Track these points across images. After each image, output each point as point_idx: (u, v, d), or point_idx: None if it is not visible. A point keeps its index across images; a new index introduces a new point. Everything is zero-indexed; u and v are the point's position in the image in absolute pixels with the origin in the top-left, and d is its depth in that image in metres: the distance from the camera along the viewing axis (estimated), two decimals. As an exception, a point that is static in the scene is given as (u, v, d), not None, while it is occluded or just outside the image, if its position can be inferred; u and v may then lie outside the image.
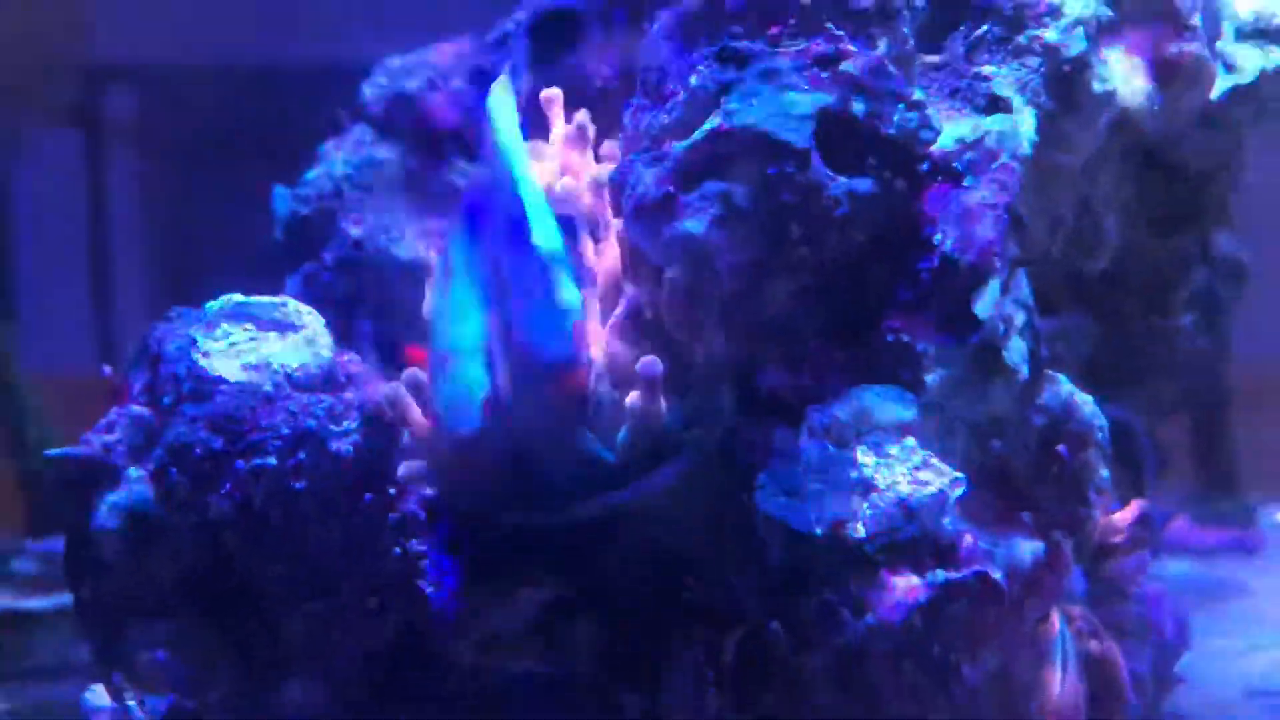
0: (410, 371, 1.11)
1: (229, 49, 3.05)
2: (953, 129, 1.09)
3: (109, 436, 1.12)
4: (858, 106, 1.06)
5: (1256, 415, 2.27)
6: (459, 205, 1.13)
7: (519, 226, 1.04)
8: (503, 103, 1.10)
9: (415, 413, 1.09)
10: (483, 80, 1.37)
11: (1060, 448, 1.11)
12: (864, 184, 1.05)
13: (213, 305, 1.15)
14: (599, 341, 1.09)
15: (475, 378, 1.04)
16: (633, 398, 1.05)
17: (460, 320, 1.07)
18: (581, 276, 1.08)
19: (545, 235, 1.04)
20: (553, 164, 1.18)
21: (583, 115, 1.19)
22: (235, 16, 3.02)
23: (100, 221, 3.10)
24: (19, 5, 2.63)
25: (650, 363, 1.04)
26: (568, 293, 1.03)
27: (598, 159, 1.20)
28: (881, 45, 1.09)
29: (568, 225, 1.11)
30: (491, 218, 1.07)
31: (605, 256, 1.12)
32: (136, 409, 1.12)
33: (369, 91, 1.48)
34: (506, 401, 1.03)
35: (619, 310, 1.10)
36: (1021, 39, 1.13)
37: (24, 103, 2.84)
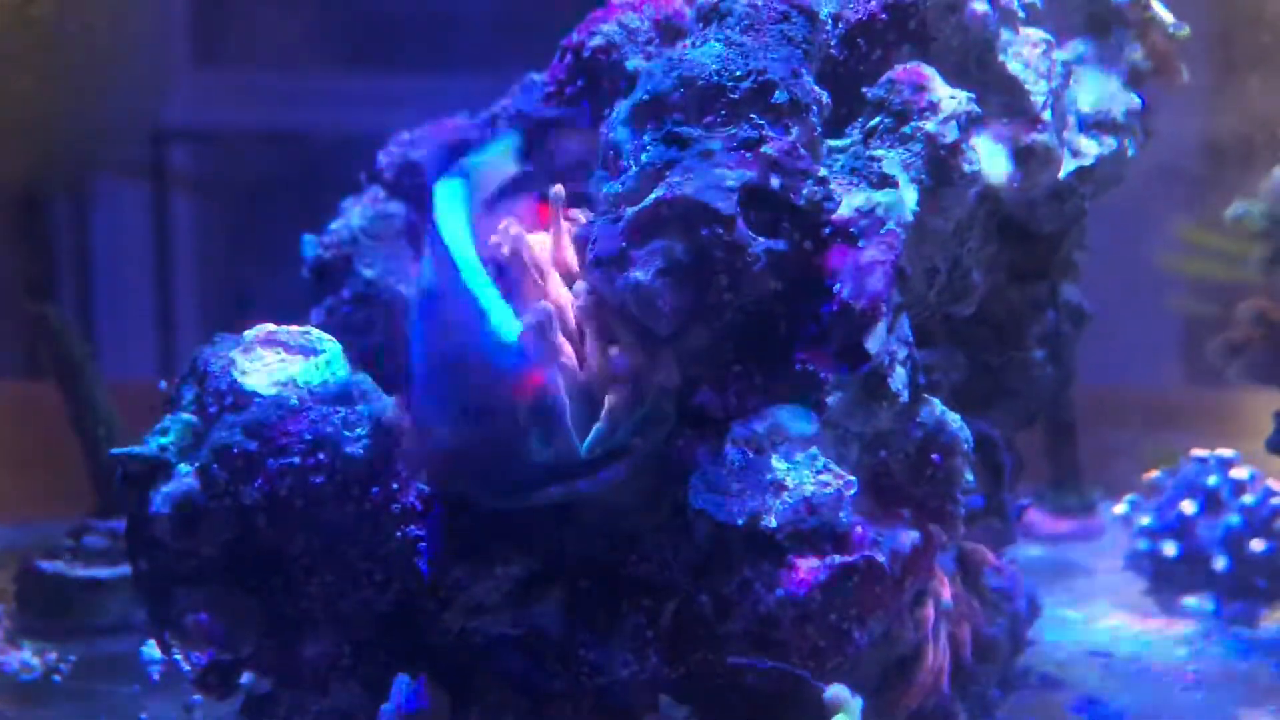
0: (398, 397, 1.11)
1: (272, 117, 3.04)
2: (850, 200, 1.09)
3: (164, 439, 1.11)
4: (775, 181, 1.06)
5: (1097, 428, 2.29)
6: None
7: (457, 280, 1.05)
8: (448, 197, 1.10)
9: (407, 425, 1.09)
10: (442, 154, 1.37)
11: (934, 456, 1.12)
12: (779, 244, 1.06)
13: (249, 333, 1.14)
14: (568, 355, 1.08)
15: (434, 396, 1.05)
16: (610, 396, 1.05)
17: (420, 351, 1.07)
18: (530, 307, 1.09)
19: (469, 275, 1.05)
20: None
21: (558, 188, 1.19)
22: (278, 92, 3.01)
23: (163, 258, 3.08)
24: (100, 77, 2.60)
25: (619, 358, 1.05)
26: (505, 323, 1.03)
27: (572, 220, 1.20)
28: (794, 132, 1.09)
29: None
30: (437, 279, 1.08)
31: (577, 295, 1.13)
32: (186, 416, 1.11)
33: (383, 159, 1.47)
34: (471, 415, 1.03)
35: (589, 337, 1.10)
36: (907, 129, 1.13)
37: (102, 159, 2.81)
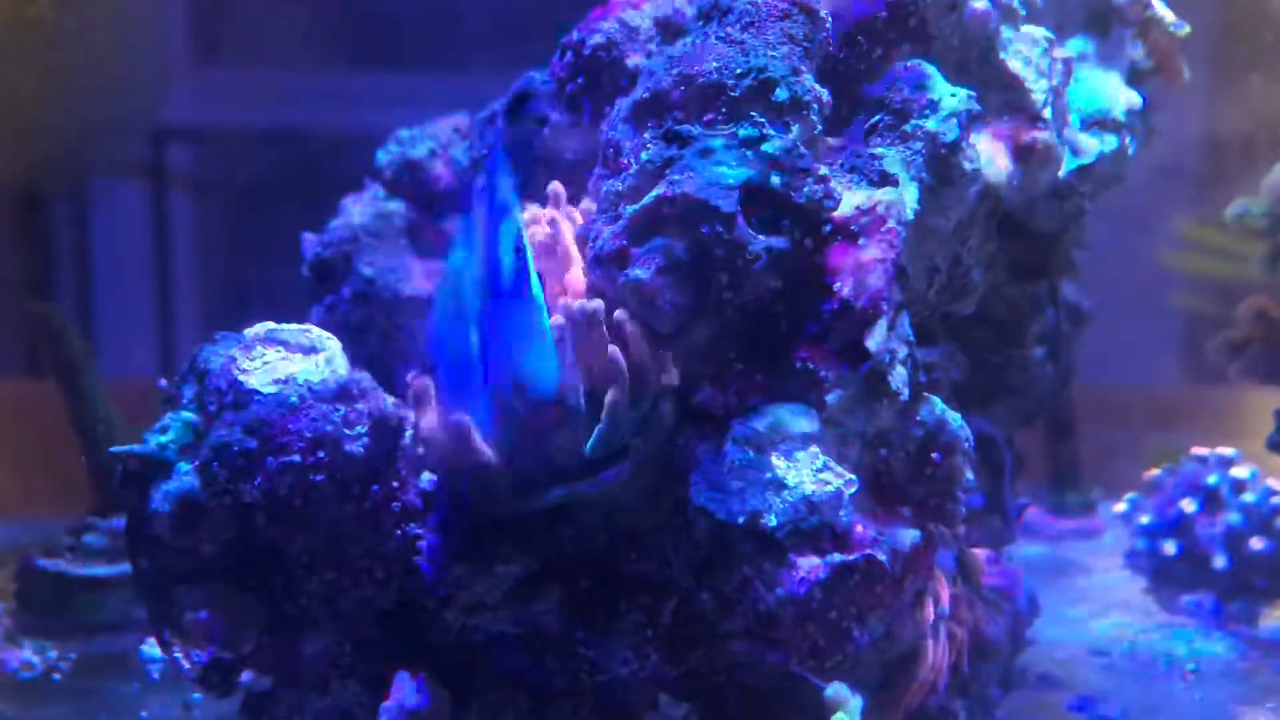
0: (419, 381, 1.10)
1: (272, 117, 3.04)
2: (851, 198, 1.09)
3: (164, 437, 1.11)
4: (775, 179, 1.06)
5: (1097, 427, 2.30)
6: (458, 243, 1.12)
7: (520, 279, 1.04)
8: (507, 179, 1.10)
9: (426, 414, 1.09)
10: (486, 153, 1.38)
11: (934, 455, 1.11)
12: (779, 242, 1.06)
13: (250, 331, 1.14)
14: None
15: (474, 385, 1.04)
16: (610, 395, 1.04)
17: (454, 338, 1.07)
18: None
19: (536, 290, 1.04)
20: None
21: (555, 185, 1.19)
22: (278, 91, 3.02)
23: (162, 258, 3.08)
24: (100, 77, 2.60)
25: (615, 352, 1.04)
26: (550, 341, 1.03)
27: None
28: (795, 130, 1.09)
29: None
30: (489, 262, 1.07)
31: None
32: (186, 414, 1.11)
33: (382, 157, 1.47)
34: (500, 416, 1.03)
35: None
36: (907, 127, 1.13)
37: (102, 158, 2.81)
